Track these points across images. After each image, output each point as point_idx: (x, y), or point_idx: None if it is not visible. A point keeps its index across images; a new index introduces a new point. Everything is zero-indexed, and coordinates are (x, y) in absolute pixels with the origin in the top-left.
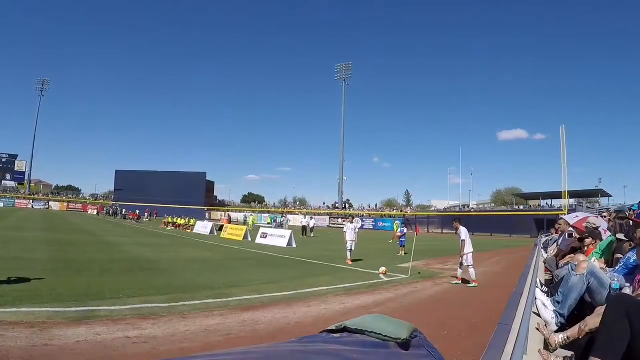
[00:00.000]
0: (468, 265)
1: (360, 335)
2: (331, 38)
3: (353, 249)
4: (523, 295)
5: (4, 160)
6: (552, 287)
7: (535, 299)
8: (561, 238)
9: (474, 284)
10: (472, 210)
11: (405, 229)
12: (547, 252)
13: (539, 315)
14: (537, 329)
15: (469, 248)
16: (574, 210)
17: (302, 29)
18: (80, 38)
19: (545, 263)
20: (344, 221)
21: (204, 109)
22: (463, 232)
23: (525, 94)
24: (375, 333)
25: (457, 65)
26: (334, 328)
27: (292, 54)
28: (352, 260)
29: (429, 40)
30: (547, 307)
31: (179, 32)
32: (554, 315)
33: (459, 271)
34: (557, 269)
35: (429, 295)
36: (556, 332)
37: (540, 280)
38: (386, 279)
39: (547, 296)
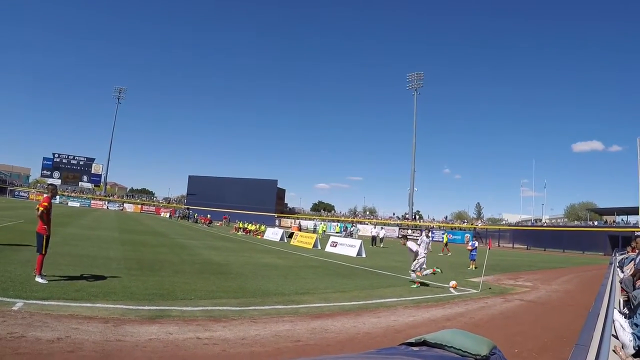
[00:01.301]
0: (421, 268)
1: (439, 349)
2: (404, 46)
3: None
4: (600, 315)
5: (81, 163)
6: (629, 308)
7: (613, 320)
8: (638, 257)
9: (415, 285)
10: (545, 225)
11: (476, 243)
12: (622, 272)
13: (615, 337)
14: (614, 351)
15: (422, 254)
16: None
17: (376, 37)
18: (156, 42)
19: (621, 283)
20: (413, 233)
21: (277, 117)
22: (412, 246)
23: (601, 104)
24: (455, 348)
25: (531, 75)
26: (413, 341)
27: (365, 63)
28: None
29: (503, 51)
30: (624, 329)
31: (253, 37)
32: (631, 338)
33: (413, 275)
34: (634, 289)
35: (499, 312)
36: (634, 355)
37: (619, 301)
38: (456, 293)
39: (625, 318)
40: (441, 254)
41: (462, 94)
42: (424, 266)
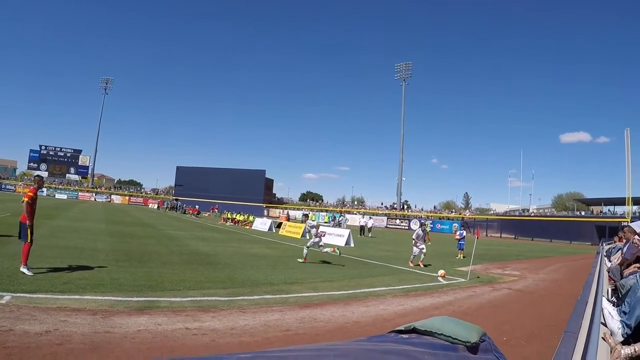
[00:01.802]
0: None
1: (429, 336)
2: (392, 36)
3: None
4: (588, 303)
5: (68, 155)
6: (617, 296)
7: (602, 308)
8: (626, 246)
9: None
10: (532, 215)
11: (465, 232)
12: (610, 261)
13: (604, 324)
14: (603, 338)
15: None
16: (639, 218)
17: (363, 27)
18: (141, 33)
19: (608, 272)
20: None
21: (264, 107)
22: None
23: (589, 95)
24: (445, 335)
25: (519, 66)
26: (403, 329)
27: (352, 53)
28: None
29: (491, 41)
30: (613, 317)
31: (239, 28)
32: (620, 326)
33: (304, 251)
34: (622, 278)
35: (487, 300)
36: (622, 342)
37: (607, 290)
38: (445, 282)
39: (613, 306)
40: (429, 243)
41: (450, 85)
42: (322, 244)
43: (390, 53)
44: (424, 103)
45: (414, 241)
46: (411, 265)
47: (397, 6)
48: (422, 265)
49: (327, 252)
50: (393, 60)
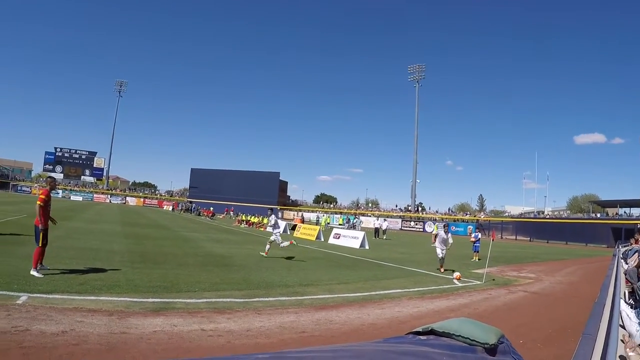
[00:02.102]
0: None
1: (447, 338)
2: (405, 38)
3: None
4: (606, 306)
5: (83, 157)
6: (635, 299)
7: (620, 310)
8: None
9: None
10: (547, 217)
11: (480, 234)
12: (627, 263)
13: (622, 327)
14: (622, 340)
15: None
16: None
17: (376, 28)
18: (157, 35)
19: (625, 274)
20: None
21: (278, 109)
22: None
23: (604, 96)
24: (463, 337)
25: (533, 67)
26: (421, 330)
27: (365, 54)
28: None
29: (505, 41)
30: (631, 320)
31: (254, 29)
32: (638, 328)
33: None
34: (639, 280)
35: (503, 303)
36: None
37: (624, 292)
38: (460, 285)
39: (631, 308)
40: (433, 245)
41: (465, 86)
42: (279, 239)
43: (403, 54)
44: (438, 104)
45: (437, 244)
46: (442, 271)
47: (410, 7)
48: (442, 271)
49: (284, 246)
50: (405, 62)
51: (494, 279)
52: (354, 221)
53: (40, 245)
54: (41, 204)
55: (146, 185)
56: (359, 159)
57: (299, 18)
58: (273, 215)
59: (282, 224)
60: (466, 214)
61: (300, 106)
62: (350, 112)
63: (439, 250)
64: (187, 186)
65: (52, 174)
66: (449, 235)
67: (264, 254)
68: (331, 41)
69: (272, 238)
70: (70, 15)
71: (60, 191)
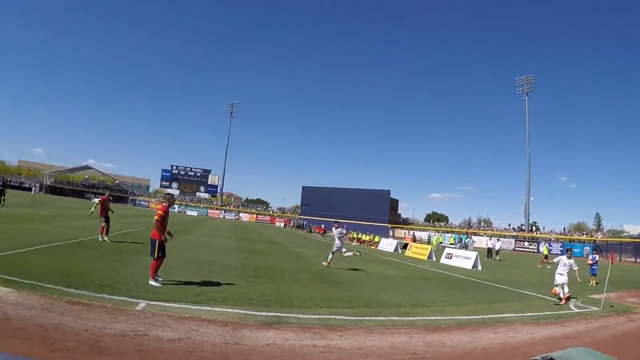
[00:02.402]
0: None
1: None
2: (512, 50)
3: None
4: None
5: (198, 174)
6: None
7: None
8: None
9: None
10: None
11: (597, 256)
12: None
13: None
14: None
15: (337, 242)
16: None
17: (482, 44)
18: (268, 52)
19: None
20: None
21: (388, 128)
22: (336, 232)
23: None
24: None
25: None
26: (539, 359)
27: (472, 69)
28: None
29: (620, 48)
30: None
31: (374, 47)
32: None
33: (330, 256)
34: None
35: (622, 332)
36: None
37: None
38: (577, 311)
39: None
40: (539, 266)
41: (577, 98)
42: (344, 249)
43: (510, 66)
44: (549, 117)
45: (559, 270)
46: (563, 302)
47: (518, 19)
48: (563, 302)
49: (348, 255)
50: (513, 74)
51: (612, 306)
52: (467, 241)
53: (155, 257)
54: (158, 219)
55: (259, 202)
56: (470, 176)
57: (410, 34)
58: (340, 229)
59: (342, 239)
60: (582, 234)
61: (410, 124)
62: (460, 129)
63: (558, 277)
64: (299, 203)
65: (169, 190)
66: (572, 260)
67: (326, 264)
68: (438, 57)
69: (334, 249)
70: (188, 29)
71: (176, 206)
